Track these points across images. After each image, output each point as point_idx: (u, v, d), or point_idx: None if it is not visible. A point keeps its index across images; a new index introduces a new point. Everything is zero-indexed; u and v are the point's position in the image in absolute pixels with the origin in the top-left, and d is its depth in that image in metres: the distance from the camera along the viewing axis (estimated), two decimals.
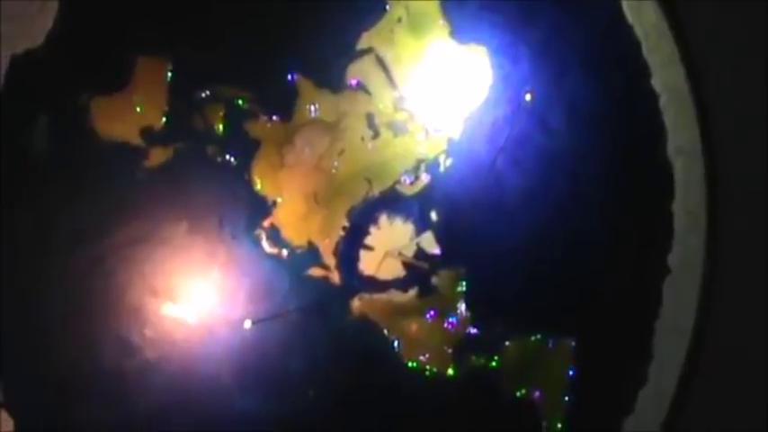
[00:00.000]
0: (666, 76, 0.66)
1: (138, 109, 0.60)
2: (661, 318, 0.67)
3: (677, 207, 0.66)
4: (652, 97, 0.66)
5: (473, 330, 0.65)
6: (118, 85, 0.60)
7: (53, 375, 0.60)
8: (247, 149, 0.61)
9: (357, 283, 0.63)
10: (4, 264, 0.58)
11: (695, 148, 0.66)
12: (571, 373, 0.66)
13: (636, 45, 0.66)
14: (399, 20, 0.63)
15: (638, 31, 0.66)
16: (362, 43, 0.63)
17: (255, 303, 0.62)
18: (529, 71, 0.64)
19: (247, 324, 0.60)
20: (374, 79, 0.63)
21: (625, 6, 0.65)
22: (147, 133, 0.60)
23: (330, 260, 0.63)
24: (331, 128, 0.62)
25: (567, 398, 0.66)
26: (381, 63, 0.63)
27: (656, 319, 0.66)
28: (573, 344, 0.66)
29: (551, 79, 0.65)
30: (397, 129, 0.63)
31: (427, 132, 0.64)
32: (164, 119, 0.60)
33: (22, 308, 0.59)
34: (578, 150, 0.66)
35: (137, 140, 0.60)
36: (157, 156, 0.60)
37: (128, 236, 0.60)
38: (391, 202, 0.64)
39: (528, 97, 0.62)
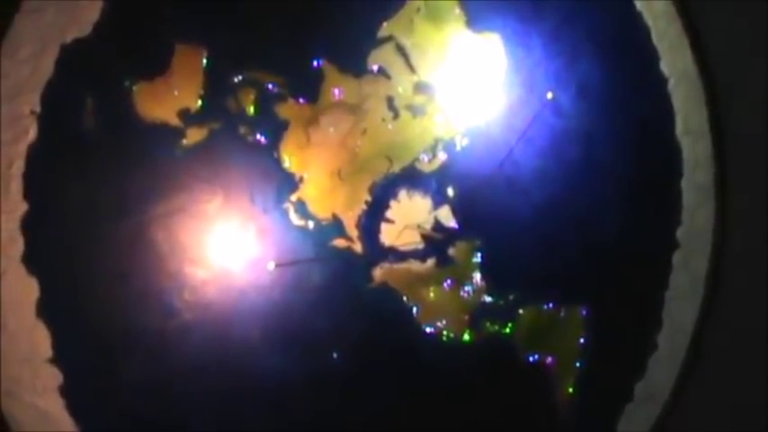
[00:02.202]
0: (674, 60, 0.68)
1: (175, 92, 0.64)
2: (670, 288, 0.69)
3: (686, 184, 0.69)
4: (661, 80, 0.68)
5: (488, 299, 0.69)
6: (158, 70, 0.65)
7: (99, 333, 0.65)
8: (277, 130, 0.66)
9: (378, 253, 0.67)
10: (57, 230, 0.63)
11: (702, 127, 0.69)
12: (583, 340, 0.69)
13: (645, 31, 0.68)
14: (418, 10, 0.67)
15: (648, 18, 0.68)
16: (383, 31, 0.67)
17: (283, 271, 0.66)
18: (541, 57, 0.68)
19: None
20: (394, 65, 0.67)
21: None
22: (184, 115, 0.65)
23: (353, 232, 0.67)
24: (354, 109, 0.66)
25: (578, 364, 0.69)
26: (401, 50, 0.67)
27: (665, 288, 0.69)
28: (584, 312, 0.69)
29: (564, 65, 0.67)
30: (415, 111, 0.67)
31: (444, 114, 0.67)
32: (199, 101, 0.65)
33: (71, 270, 0.64)
34: (590, 131, 0.69)
35: (175, 121, 0.65)
36: (194, 135, 0.65)
37: (167, 207, 0.65)
38: (410, 178, 0.68)
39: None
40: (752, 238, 0.72)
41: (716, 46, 0.72)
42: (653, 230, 0.72)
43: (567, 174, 0.71)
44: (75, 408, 0.67)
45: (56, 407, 0.67)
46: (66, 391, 0.67)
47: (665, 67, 0.71)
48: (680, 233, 0.72)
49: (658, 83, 0.71)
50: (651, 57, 0.71)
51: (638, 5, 0.71)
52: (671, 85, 0.71)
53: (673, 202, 0.72)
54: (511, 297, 0.71)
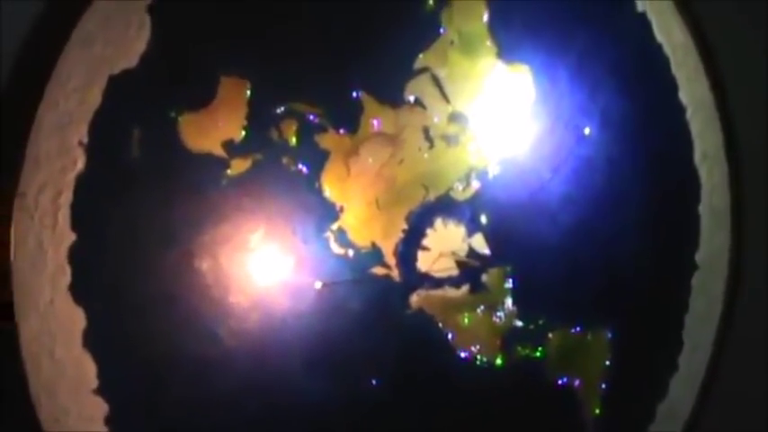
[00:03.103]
0: (692, 89, 0.97)
1: (220, 123, 0.90)
2: (690, 311, 0.98)
3: (703, 208, 0.98)
4: (680, 109, 0.97)
5: (519, 323, 0.96)
6: (202, 102, 0.89)
7: (144, 363, 0.88)
8: (318, 160, 0.91)
9: (415, 280, 0.94)
10: (104, 259, 0.88)
11: (719, 153, 0.98)
12: (608, 362, 0.98)
13: (665, 61, 0.97)
14: (452, 42, 0.93)
15: (667, 49, 0.97)
16: (419, 63, 0.92)
17: (323, 299, 0.92)
18: (567, 88, 0.96)
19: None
20: (429, 95, 0.93)
21: (654, 26, 0.97)
22: (228, 145, 0.90)
23: (391, 260, 0.93)
24: (392, 140, 0.92)
25: (604, 385, 0.98)
26: (436, 81, 0.93)
27: (685, 311, 0.98)
28: (609, 335, 0.97)
29: (587, 95, 0.96)
30: (449, 140, 0.94)
31: (477, 143, 0.95)
32: (243, 132, 0.90)
33: (116, 300, 0.88)
34: (612, 158, 0.97)
35: (219, 152, 0.90)
36: (238, 166, 0.90)
37: (212, 237, 0.89)
38: (445, 206, 0.93)
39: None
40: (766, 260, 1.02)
41: (730, 74, 1.01)
42: (673, 254, 1.01)
43: (590, 200, 0.98)
44: None
45: None
46: (112, 422, 0.91)
47: (683, 96, 1.00)
48: (698, 257, 1.02)
49: (677, 112, 1.00)
50: (670, 86, 1.00)
51: (659, 38, 1.00)
52: (689, 113, 1.00)
53: (691, 226, 1.01)
54: (540, 321, 0.98)
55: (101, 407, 0.83)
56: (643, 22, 0.92)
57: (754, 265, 0.93)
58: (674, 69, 0.93)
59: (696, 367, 0.94)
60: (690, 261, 0.93)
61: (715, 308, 0.93)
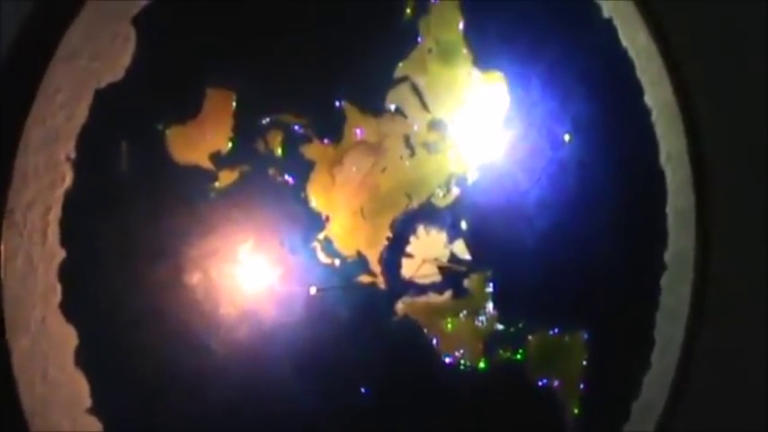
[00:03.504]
0: (656, 92, 1.15)
1: (207, 135, 1.03)
2: (660, 309, 1.15)
3: (670, 209, 1.15)
4: (645, 112, 1.15)
5: (500, 327, 1.12)
6: (189, 114, 1.02)
7: (137, 379, 0.99)
8: (303, 170, 1.04)
9: (400, 287, 1.08)
10: (95, 275, 0.99)
11: (682, 155, 1.16)
12: (585, 362, 1.14)
13: (630, 66, 1.15)
14: (430, 50, 1.08)
15: (632, 53, 1.14)
16: (399, 72, 1.06)
17: (312, 308, 1.06)
18: (539, 95, 1.12)
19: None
20: (409, 104, 1.07)
21: (620, 32, 1.14)
22: (215, 157, 1.03)
23: (377, 267, 1.07)
24: (374, 148, 1.06)
25: (582, 385, 1.14)
26: (415, 89, 1.08)
27: (656, 310, 1.15)
28: (585, 336, 1.14)
29: (559, 102, 1.12)
30: (430, 148, 1.08)
31: (456, 150, 1.10)
32: (230, 144, 1.03)
33: (107, 316, 0.99)
34: (584, 162, 1.13)
35: (207, 164, 1.02)
36: (226, 178, 1.02)
37: (202, 250, 1.01)
38: (427, 213, 1.08)
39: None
40: (731, 258, 1.20)
41: (693, 77, 1.19)
42: (643, 254, 1.18)
43: (565, 204, 1.14)
44: None
45: None
46: None
47: (648, 99, 1.17)
48: (666, 256, 1.19)
49: (643, 115, 1.18)
50: (636, 90, 1.17)
51: (624, 42, 1.17)
52: (654, 116, 1.18)
53: (659, 226, 1.19)
54: (520, 324, 1.13)
55: (95, 426, 0.94)
56: (609, 27, 1.06)
57: (719, 263, 1.10)
58: (639, 73, 1.07)
59: (667, 365, 1.09)
60: (659, 261, 1.08)
61: (683, 306, 1.10)
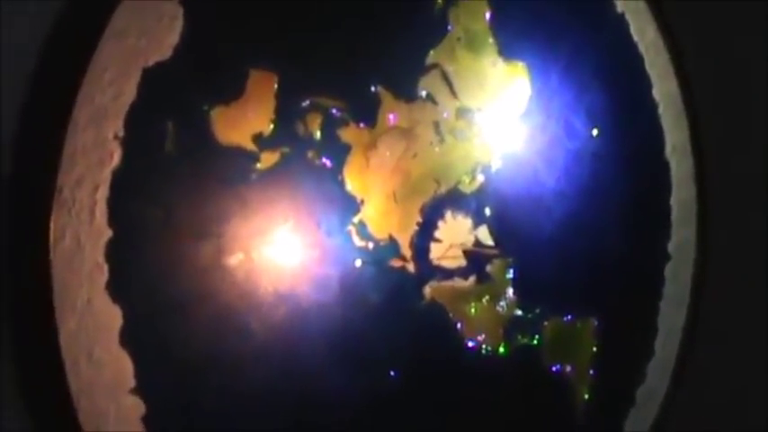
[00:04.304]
0: (663, 86, 1.26)
1: (249, 117, 1.09)
2: (664, 298, 1.26)
3: (674, 200, 1.26)
4: (654, 105, 1.26)
5: (519, 312, 1.21)
6: (233, 95, 1.08)
7: (179, 359, 1.04)
8: (340, 153, 1.12)
9: (428, 271, 1.17)
10: (140, 256, 1.05)
11: (686, 147, 1.27)
12: (594, 349, 1.24)
13: (640, 60, 1.25)
14: (459, 39, 1.16)
15: (641, 48, 1.25)
16: (430, 59, 1.15)
17: (345, 290, 1.13)
18: (557, 86, 1.22)
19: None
20: (439, 91, 1.16)
21: (631, 27, 1.24)
22: (258, 139, 1.09)
23: (407, 252, 1.16)
24: (406, 134, 1.14)
25: (592, 371, 1.24)
26: (445, 77, 1.16)
27: (659, 299, 1.26)
28: (596, 323, 1.24)
29: (575, 94, 1.22)
30: (457, 135, 1.17)
31: (481, 138, 1.19)
32: (271, 126, 1.10)
33: (152, 296, 1.05)
34: (595, 152, 1.24)
35: (250, 146, 1.08)
36: (267, 159, 1.09)
37: (243, 231, 1.08)
38: (455, 199, 1.17)
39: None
40: (731, 250, 1.32)
41: (698, 72, 1.30)
42: (649, 244, 1.29)
43: (578, 193, 1.25)
44: None
45: None
46: (149, 421, 1.07)
47: (656, 92, 1.29)
48: (670, 246, 1.30)
49: (651, 107, 1.29)
50: (645, 84, 1.29)
51: (635, 37, 1.28)
52: (661, 109, 1.29)
53: (664, 217, 1.30)
54: (537, 310, 1.23)
55: (138, 406, 1.00)
56: (622, 22, 1.17)
57: (718, 254, 1.22)
58: (648, 67, 1.18)
59: (669, 352, 1.20)
60: (663, 251, 1.18)
61: (684, 295, 1.21)
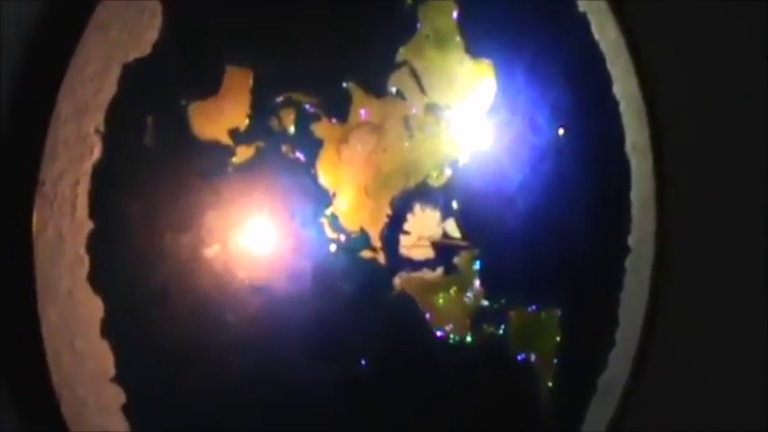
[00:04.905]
0: (624, 84, 1.35)
1: (225, 112, 1.17)
2: (624, 290, 1.35)
3: (634, 195, 1.35)
4: (614, 103, 1.35)
5: (485, 303, 1.29)
6: (210, 91, 1.16)
7: (158, 349, 1.12)
8: (313, 148, 1.19)
9: (398, 263, 1.25)
10: (120, 247, 1.12)
11: (646, 144, 1.36)
12: (558, 338, 1.33)
13: (602, 58, 1.34)
14: (428, 37, 1.24)
15: (603, 47, 1.34)
16: (400, 56, 1.22)
17: (319, 281, 1.21)
18: (523, 84, 1.30)
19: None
20: (409, 87, 1.24)
21: (593, 26, 1.33)
22: (234, 133, 1.17)
23: (377, 243, 1.24)
24: (377, 129, 1.22)
25: (555, 360, 1.33)
26: (414, 73, 1.25)
27: (620, 291, 1.35)
28: (560, 313, 1.33)
29: (540, 91, 1.31)
30: (426, 131, 1.26)
31: (449, 133, 1.27)
32: (247, 120, 1.18)
33: (131, 288, 1.12)
34: (559, 148, 1.32)
35: (226, 140, 1.16)
36: (243, 153, 1.17)
37: (220, 224, 1.15)
38: (423, 193, 1.25)
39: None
40: (689, 244, 1.41)
41: (659, 71, 1.38)
42: (610, 237, 1.38)
43: (541, 186, 1.33)
44: (138, 426, 1.15)
45: (120, 426, 1.14)
46: (129, 409, 1.14)
47: (616, 90, 1.37)
48: (630, 240, 1.39)
49: (612, 105, 1.38)
50: (606, 82, 1.37)
51: (596, 36, 1.36)
52: (622, 107, 1.38)
53: (624, 212, 1.38)
54: (503, 301, 1.31)
55: (118, 395, 1.07)
56: (584, 21, 1.25)
57: (677, 248, 1.31)
58: (609, 66, 1.27)
59: (630, 342, 1.29)
60: (624, 244, 1.26)
61: (644, 287, 1.30)
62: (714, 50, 1.26)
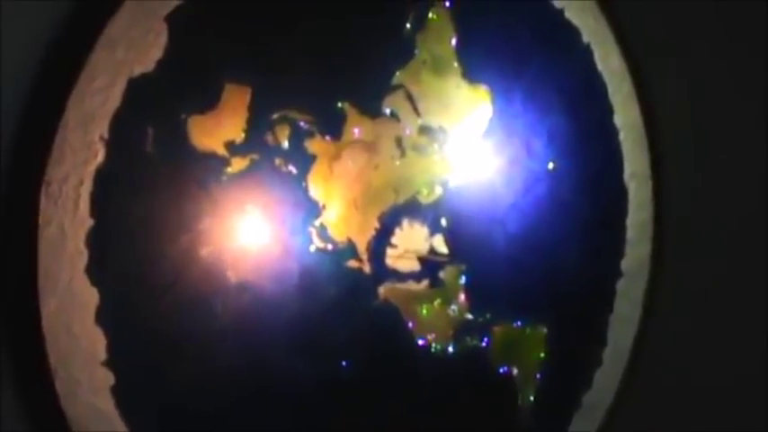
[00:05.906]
0: (625, 113, 1.50)
1: (223, 126, 1.37)
2: (614, 312, 1.51)
3: (630, 221, 1.51)
4: (614, 131, 1.50)
5: (469, 316, 1.46)
6: (209, 105, 1.35)
7: (149, 338, 1.29)
8: (306, 162, 1.36)
9: (383, 273, 1.42)
10: (118, 244, 1.32)
11: (645, 172, 1.51)
12: (542, 355, 1.50)
13: (604, 88, 1.50)
14: (424, 62, 1.42)
15: (606, 77, 1.50)
16: (396, 80, 1.37)
17: (304, 283, 1.40)
18: (520, 109, 1.47)
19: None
20: (403, 109, 1.41)
21: (596, 56, 1.50)
22: (230, 146, 1.36)
23: (364, 254, 1.42)
24: (369, 147, 1.39)
25: (538, 375, 1.50)
26: (409, 96, 1.42)
27: (610, 313, 1.51)
28: (545, 331, 1.50)
29: (538, 116, 1.47)
30: (419, 150, 1.43)
31: (442, 154, 1.45)
32: (243, 134, 1.37)
33: (127, 282, 1.31)
34: (554, 172, 1.49)
35: (222, 151, 1.35)
36: (237, 164, 1.35)
37: (214, 226, 1.35)
38: (412, 209, 1.42)
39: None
40: (683, 269, 1.56)
41: (659, 100, 1.52)
42: (602, 261, 1.53)
43: (534, 209, 1.50)
44: (124, 406, 1.36)
45: (108, 406, 1.35)
46: (118, 391, 1.35)
47: (617, 119, 1.52)
48: (623, 264, 1.55)
49: (612, 133, 1.54)
50: (607, 110, 1.53)
51: (599, 66, 1.52)
52: (621, 135, 1.54)
53: (619, 236, 1.54)
54: (487, 316, 1.47)
55: (108, 377, 1.26)
56: (587, 51, 1.42)
57: (672, 274, 1.46)
58: (611, 95, 1.42)
59: (617, 363, 1.43)
60: (616, 268, 1.41)
61: (636, 310, 1.43)
62: (720, 79, 1.41)
